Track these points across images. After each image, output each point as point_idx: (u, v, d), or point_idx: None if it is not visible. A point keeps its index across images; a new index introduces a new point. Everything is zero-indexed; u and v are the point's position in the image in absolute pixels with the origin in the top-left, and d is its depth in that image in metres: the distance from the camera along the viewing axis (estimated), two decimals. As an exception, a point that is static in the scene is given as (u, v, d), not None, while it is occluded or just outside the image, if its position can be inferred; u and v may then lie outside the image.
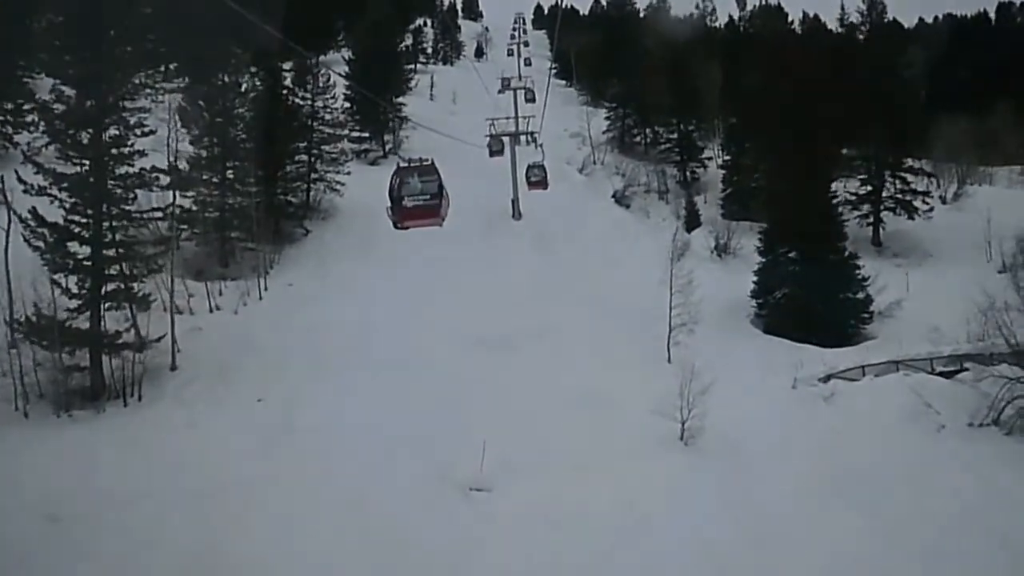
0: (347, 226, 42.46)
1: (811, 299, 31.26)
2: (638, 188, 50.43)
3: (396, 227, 13.00)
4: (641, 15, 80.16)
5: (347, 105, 51.57)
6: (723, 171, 48.20)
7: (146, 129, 28.54)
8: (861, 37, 74.79)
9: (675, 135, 53.50)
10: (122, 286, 27.28)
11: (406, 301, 33.81)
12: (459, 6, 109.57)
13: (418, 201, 12.47)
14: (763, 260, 33.58)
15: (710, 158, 53.18)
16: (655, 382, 25.84)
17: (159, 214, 29.50)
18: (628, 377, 26.27)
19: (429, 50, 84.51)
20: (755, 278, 33.50)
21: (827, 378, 27.55)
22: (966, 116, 54.42)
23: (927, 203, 42.47)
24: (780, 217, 33.39)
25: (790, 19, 65.99)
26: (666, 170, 51.73)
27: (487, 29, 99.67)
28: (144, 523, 19.45)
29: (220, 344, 29.90)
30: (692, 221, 45.72)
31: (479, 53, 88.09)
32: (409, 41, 76.80)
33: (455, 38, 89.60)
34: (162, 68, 45.01)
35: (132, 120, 28.10)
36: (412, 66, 73.62)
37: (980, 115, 56.76)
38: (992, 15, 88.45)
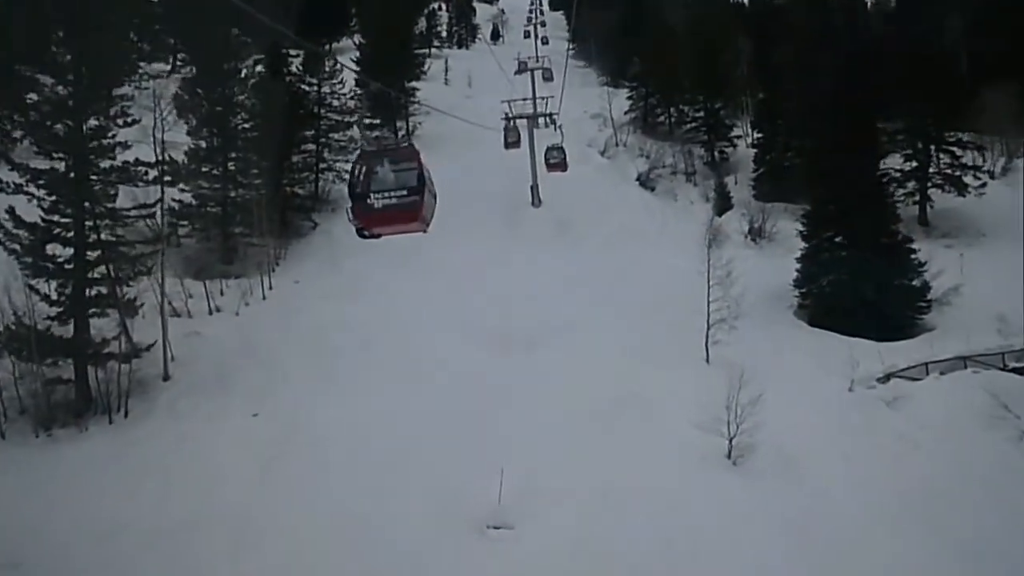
0: (358, 218, 39.43)
1: (862, 288, 27.60)
2: (663, 170, 46.71)
3: (361, 235, 9.54)
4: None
5: (358, 91, 48.35)
6: (754, 150, 44.26)
7: (129, 119, 25.69)
8: (893, 4, 70.25)
9: (701, 113, 49.54)
10: (105, 290, 24.45)
11: (420, 296, 30.76)
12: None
13: (390, 199, 8.84)
14: (806, 245, 29.85)
15: (739, 136, 49.23)
16: (694, 386, 22.64)
17: (147, 211, 26.52)
18: (664, 381, 22.97)
19: (443, 34, 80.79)
20: (798, 265, 29.84)
21: (886, 377, 24.07)
22: (1006, 85, 49.96)
23: (978, 178, 38.37)
24: (825, 198, 29.61)
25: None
26: (693, 150, 47.89)
27: (503, 11, 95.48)
28: (116, 563, 16.63)
29: (218, 350, 27.06)
30: (723, 203, 42.02)
31: (495, 36, 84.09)
32: (423, 25, 73.21)
33: (470, 21, 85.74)
34: (146, 51, 41.78)
35: (114, 109, 25.26)
36: (426, 50, 70.09)
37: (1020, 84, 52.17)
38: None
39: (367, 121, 48.11)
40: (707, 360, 24.75)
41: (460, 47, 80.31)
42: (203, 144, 34.35)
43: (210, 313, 29.91)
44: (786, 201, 41.06)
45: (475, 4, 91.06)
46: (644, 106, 53.42)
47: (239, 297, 30.73)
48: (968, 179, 38.26)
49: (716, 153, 48.37)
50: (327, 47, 61.54)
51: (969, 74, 46.66)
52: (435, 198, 9.72)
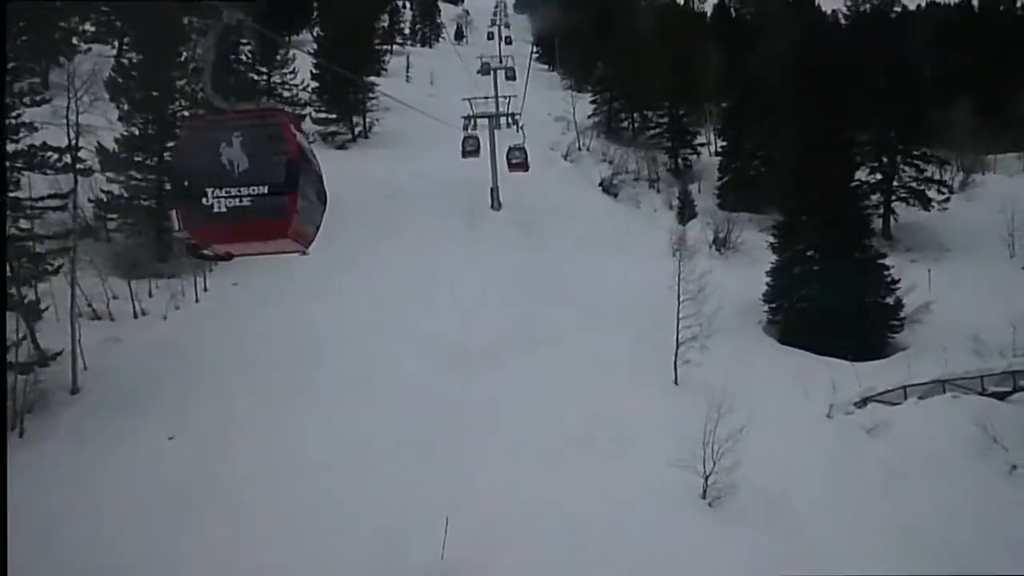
0: (307, 216, 36.11)
1: (835, 304, 25.45)
2: (627, 176, 44.39)
3: (195, 254, 6.08)
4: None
5: (315, 84, 45.06)
6: (719, 158, 42.15)
7: (39, 97, 22.17)
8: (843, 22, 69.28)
9: (666, 119, 47.30)
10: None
11: (371, 303, 27.66)
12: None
13: (240, 201, 5.35)
14: (777, 258, 27.59)
15: (703, 144, 47.17)
16: (664, 412, 20.13)
17: (60, 201, 22.92)
18: (632, 406, 20.35)
19: (407, 31, 77.41)
20: (768, 279, 27.56)
21: (863, 402, 21.88)
22: (960, 103, 49.06)
23: (942, 193, 36.82)
24: (798, 209, 27.40)
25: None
26: (657, 157, 45.64)
27: (467, 12, 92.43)
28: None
29: (139, 359, 23.54)
30: (687, 212, 39.82)
31: (459, 35, 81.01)
32: (386, 22, 69.81)
33: (434, 19, 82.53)
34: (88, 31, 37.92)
35: (20, 86, 21.71)
36: (388, 47, 66.84)
37: (973, 103, 51.40)
38: (975, 4, 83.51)
39: (322, 115, 44.80)
40: (675, 381, 22.19)
41: (424, 45, 77.11)
42: (136, 131, 30.78)
43: (135, 316, 26.36)
44: (751, 211, 39.12)
45: (440, 4, 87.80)
46: (608, 110, 51.00)
47: (169, 299, 27.25)
48: (931, 193, 36.71)
49: (680, 160, 46.22)
50: (287, 39, 57.85)
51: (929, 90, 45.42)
52: (323, 200, 6.40)
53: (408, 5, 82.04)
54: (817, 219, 26.15)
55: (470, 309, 26.03)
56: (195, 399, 21.43)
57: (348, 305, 27.39)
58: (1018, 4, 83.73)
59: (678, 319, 22.02)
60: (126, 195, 30.48)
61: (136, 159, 30.71)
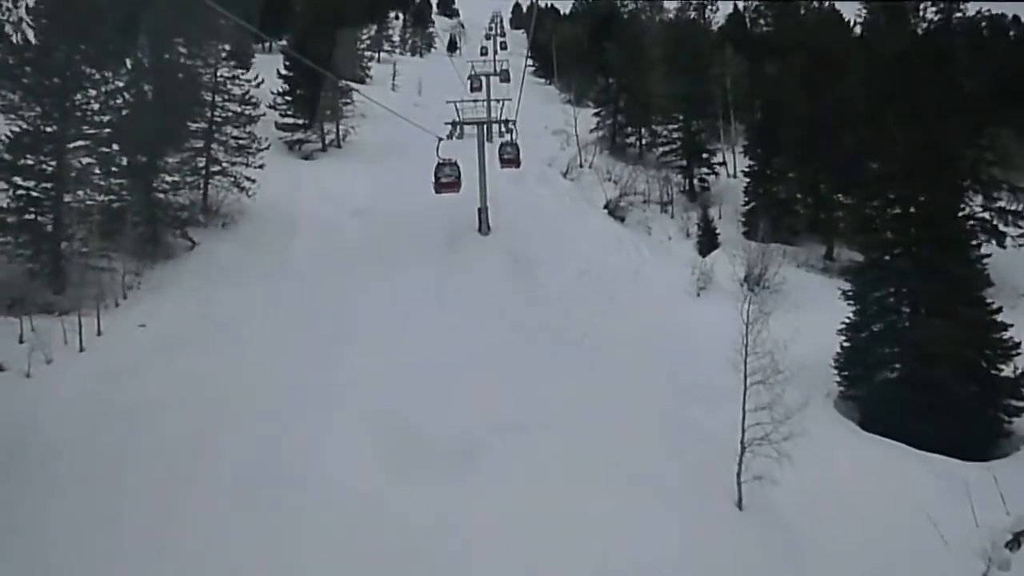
0: (254, 236, 28.16)
1: (935, 376, 17.72)
2: (635, 197, 36.74)
3: None
4: (625, 13, 65.80)
5: (285, 86, 37.58)
6: (746, 179, 34.43)
7: None
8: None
9: (679, 135, 39.68)
10: None
11: (311, 359, 19.64)
12: (434, 1, 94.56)
13: None
14: (856, 311, 19.73)
15: (722, 163, 39.61)
16: (722, 561, 12.17)
17: None
18: (672, 550, 12.40)
19: (395, 38, 69.71)
20: (843, 339, 19.70)
21: (1016, 540, 13.96)
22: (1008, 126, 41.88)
23: (1020, 226, 29.28)
24: (884, 246, 19.66)
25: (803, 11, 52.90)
26: (670, 176, 38.02)
27: (462, 25, 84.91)
28: None
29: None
30: (708, 241, 32.18)
31: (452, 47, 73.41)
32: (373, 29, 62.24)
33: (426, 28, 74.88)
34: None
35: None
36: (375, 54, 59.34)
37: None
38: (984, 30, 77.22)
39: (288, 120, 37.10)
40: (739, 504, 14.21)
41: (414, 55, 69.53)
42: (25, 127, 22.95)
43: (-12, 373, 18.36)
44: (785, 242, 31.53)
45: (434, 17, 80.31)
46: (613, 124, 43.35)
47: (35, 349, 19.12)
48: (1007, 229, 29.11)
49: (696, 181, 38.59)
50: (267, 44, 50.24)
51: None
52: None
53: (401, 15, 74.57)
54: (910, 261, 18.40)
55: (435, 374, 18.04)
56: (21, 515, 13.39)
57: (278, 358, 19.36)
58: (1026, 30, 77.87)
59: (744, 412, 14.09)
60: (12, 207, 22.83)
61: (25, 162, 23.03)
